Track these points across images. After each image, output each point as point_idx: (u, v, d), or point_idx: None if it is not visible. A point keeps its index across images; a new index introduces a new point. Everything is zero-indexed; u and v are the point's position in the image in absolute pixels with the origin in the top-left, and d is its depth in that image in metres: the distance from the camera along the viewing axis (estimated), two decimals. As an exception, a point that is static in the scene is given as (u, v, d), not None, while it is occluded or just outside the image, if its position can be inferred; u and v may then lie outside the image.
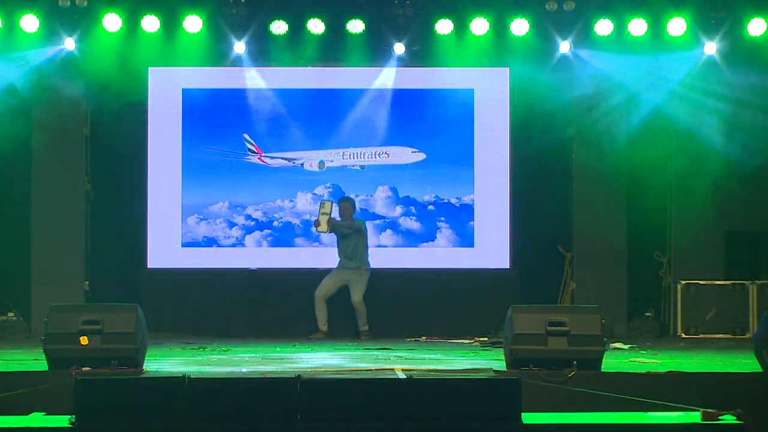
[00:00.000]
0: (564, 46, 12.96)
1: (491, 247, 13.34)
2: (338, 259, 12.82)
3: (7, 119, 12.90)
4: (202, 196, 13.36)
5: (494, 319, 12.09)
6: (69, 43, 12.82)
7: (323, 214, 12.67)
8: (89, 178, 13.28)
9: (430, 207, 13.35)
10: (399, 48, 13.03)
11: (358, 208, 12.95)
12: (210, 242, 13.37)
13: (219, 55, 13.11)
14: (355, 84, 13.49)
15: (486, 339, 12.13)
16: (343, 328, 12.78)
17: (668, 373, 8.61)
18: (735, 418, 6.61)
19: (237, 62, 13.15)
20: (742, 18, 12.79)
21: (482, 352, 10.92)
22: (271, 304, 13.17)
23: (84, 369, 8.22)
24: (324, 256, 13.32)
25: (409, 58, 13.15)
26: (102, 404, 6.42)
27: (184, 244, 13.36)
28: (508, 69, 13.30)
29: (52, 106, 13.00)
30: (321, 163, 13.32)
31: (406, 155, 13.34)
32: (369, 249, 12.81)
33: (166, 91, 13.36)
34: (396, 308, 13.08)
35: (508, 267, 13.31)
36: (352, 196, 13.06)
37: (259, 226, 13.36)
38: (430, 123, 13.39)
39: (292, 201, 13.39)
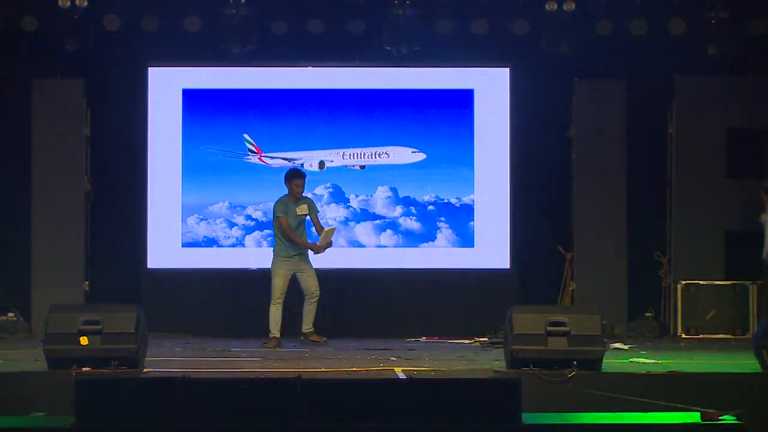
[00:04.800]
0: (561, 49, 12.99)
1: (491, 247, 13.33)
2: (286, 253, 11.86)
3: (8, 119, 12.91)
4: (202, 196, 13.36)
5: (494, 319, 12.09)
6: (73, 47, 12.85)
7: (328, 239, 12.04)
8: (89, 178, 13.28)
9: (430, 207, 13.34)
10: (402, 48, 13.02)
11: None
12: (210, 242, 13.37)
13: (219, 55, 13.11)
14: (355, 84, 13.49)
15: (486, 339, 12.13)
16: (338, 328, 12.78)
17: (668, 373, 8.61)
18: (735, 418, 6.61)
19: (237, 62, 13.15)
20: (742, 18, 12.78)
21: (482, 352, 10.92)
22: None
23: (84, 369, 8.23)
24: (323, 256, 13.27)
25: (410, 58, 13.14)
26: (102, 404, 6.42)
27: (184, 244, 13.36)
28: (508, 69, 13.31)
29: (52, 106, 13.01)
30: (321, 163, 13.32)
31: (406, 155, 13.34)
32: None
33: (166, 91, 13.36)
34: (396, 308, 13.08)
35: (508, 267, 13.30)
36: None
37: (259, 226, 13.36)
38: (430, 123, 13.39)
39: (292, 201, 13.37)
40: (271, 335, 11.78)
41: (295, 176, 11.89)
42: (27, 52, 12.90)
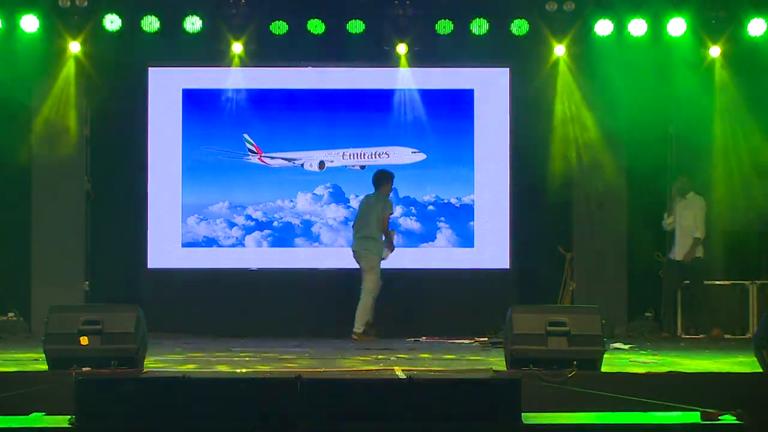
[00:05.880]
0: (561, 49, 13.00)
1: (491, 247, 13.34)
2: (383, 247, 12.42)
3: (8, 119, 12.91)
4: (202, 196, 13.37)
5: (494, 319, 12.10)
6: (73, 47, 12.86)
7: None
8: (89, 178, 13.28)
9: (430, 207, 13.34)
10: (402, 48, 13.04)
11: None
12: (210, 242, 13.37)
13: (219, 55, 13.11)
14: (355, 84, 13.50)
15: (486, 339, 12.13)
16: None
17: (668, 373, 8.60)
18: (735, 418, 6.61)
19: (237, 62, 13.15)
20: (742, 18, 12.80)
21: (482, 352, 10.92)
22: (271, 304, 13.17)
23: (84, 369, 8.22)
24: (324, 256, 13.33)
25: (409, 58, 13.15)
26: (102, 404, 6.42)
27: (184, 244, 13.37)
28: (508, 69, 13.31)
29: (52, 105, 13.01)
30: (321, 163, 13.32)
31: (406, 155, 13.34)
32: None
33: (166, 91, 13.37)
34: (396, 308, 13.07)
35: (508, 267, 13.30)
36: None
37: (259, 226, 13.36)
38: (430, 123, 13.39)
39: (292, 201, 13.39)
40: (366, 328, 12.16)
41: (393, 177, 12.33)
42: (27, 52, 12.89)
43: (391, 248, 12.35)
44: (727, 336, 12.63)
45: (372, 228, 12.23)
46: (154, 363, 9.14)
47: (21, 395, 7.66)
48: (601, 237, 13.23)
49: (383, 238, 12.28)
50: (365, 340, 11.98)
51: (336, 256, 13.26)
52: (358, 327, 12.10)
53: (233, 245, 13.37)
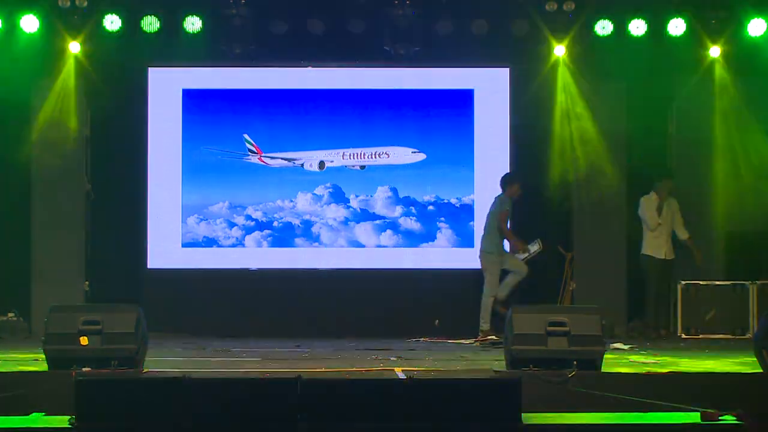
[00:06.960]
0: (561, 49, 13.01)
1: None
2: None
3: (7, 119, 12.91)
4: (202, 196, 13.36)
5: (494, 319, 12.12)
6: (73, 47, 12.85)
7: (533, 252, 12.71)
8: (89, 178, 13.28)
9: (430, 207, 13.34)
10: (402, 48, 13.04)
11: (358, 208, 12.94)
12: (210, 242, 13.37)
13: (219, 55, 13.11)
14: (355, 84, 13.50)
15: (486, 338, 12.13)
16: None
17: (668, 373, 8.61)
18: (735, 418, 6.61)
19: (237, 62, 13.15)
20: (742, 18, 12.80)
21: (482, 352, 10.93)
22: (271, 304, 13.18)
23: (84, 369, 8.22)
24: (324, 256, 13.33)
25: (409, 58, 13.14)
26: (102, 404, 6.42)
27: (184, 244, 13.36)
28: (508, 69, 13.31)
29: (52, 105, 13.01)
30: (321, 163, 13.32)
31: (406, 155, 13.34)
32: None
33: (166, 91, 13.37)
34: (396, 308, 13.08)
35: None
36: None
37: (259, 226, 13.36)
38: (430, 123, 13.39)
39: (292, 201, 13.39)
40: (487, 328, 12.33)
41: (518, 178, 12.52)
42: (27, 52, 12.89)
43: (520, 246, 12.53)
44: (727, 336, 12.63)
45: (489, 227, 12.53)
46: (154, 363, 9.14)
47: (21, 395, 7.66)
48: (601, 237, 13.23)
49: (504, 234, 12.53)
50: (489, 338, 12.14)
51: (336, 256, 13.26)
52: (483, 325, 12.35)
53: (233, 245, 13.37)
